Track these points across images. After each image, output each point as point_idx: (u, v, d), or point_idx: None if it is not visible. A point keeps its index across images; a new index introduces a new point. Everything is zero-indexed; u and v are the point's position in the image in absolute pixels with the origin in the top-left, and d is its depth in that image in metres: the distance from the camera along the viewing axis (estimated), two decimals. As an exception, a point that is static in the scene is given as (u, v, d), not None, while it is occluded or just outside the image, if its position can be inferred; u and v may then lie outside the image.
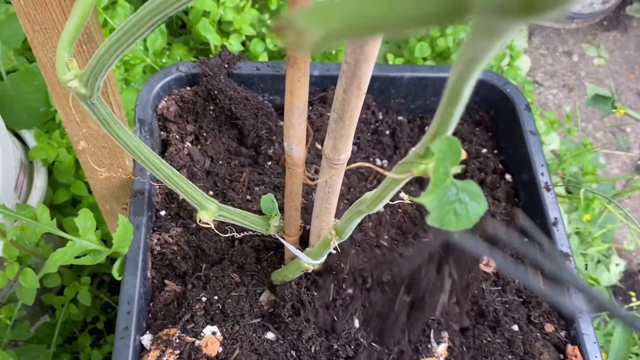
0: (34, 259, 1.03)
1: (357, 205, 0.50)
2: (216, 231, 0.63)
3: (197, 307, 0.76)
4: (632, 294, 1.52)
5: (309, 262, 0.69)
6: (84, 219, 0.72)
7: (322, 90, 0.96)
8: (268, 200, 0.69)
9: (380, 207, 0.47)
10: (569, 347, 0.78)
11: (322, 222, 0.65)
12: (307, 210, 0.80)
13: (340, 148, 0.51)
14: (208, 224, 0.58)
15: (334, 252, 0.69)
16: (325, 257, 0.70)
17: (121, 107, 0.76)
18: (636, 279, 1.56)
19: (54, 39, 0.59)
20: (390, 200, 0.47)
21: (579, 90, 1.84)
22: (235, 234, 0.67)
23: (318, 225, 0.66)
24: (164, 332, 0.73)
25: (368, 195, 0.48)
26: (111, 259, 1.28)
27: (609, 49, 1.94)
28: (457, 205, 0.32)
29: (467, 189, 0.33)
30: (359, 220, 0.54)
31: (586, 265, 1.44)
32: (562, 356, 0.78)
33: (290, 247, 0.71)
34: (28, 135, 1.20)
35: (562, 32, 1.94)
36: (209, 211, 0.58)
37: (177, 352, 0.71)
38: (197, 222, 0.59)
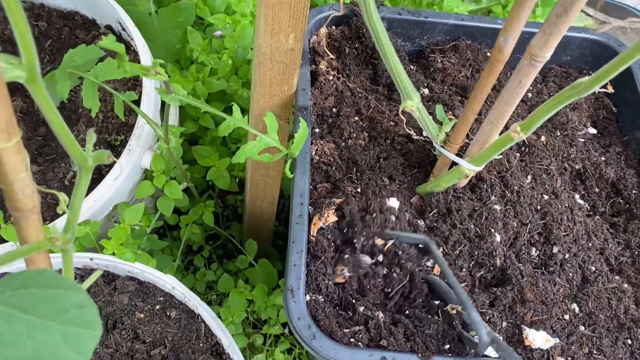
0: (173, 174, 1.13)
1: (570, 90, 0.59)
2: (404, 127, 0.72)
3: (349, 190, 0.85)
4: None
5: (471, 168, 0.79)
6: (270, 120, 0.82)
7: (454, 40, 1.06)
8: (441, 109, 0.78)
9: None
10: None
11: (494, 127, 0.75)
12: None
13: (552, 44, 0.61)
14: (412, 110, 0.67)
15: (499, 156, 0.78)
16: (484, 165, 0.79)
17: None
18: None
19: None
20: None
21: (642, 85, 1.94)
22: (413, 134, 0.76)
23: (488, 132, 0.76)
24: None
25: (584, 78, 0.57)
26: (219, 193, 1.37)
27: (672, 50, 2.03)
28: None
29: None
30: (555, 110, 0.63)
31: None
32: None
33: (451, 156, 0.80)
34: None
35: (628, 31, 2.04)
36: (413, 102, 0.68)
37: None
38: (400, 112, 0.68)
